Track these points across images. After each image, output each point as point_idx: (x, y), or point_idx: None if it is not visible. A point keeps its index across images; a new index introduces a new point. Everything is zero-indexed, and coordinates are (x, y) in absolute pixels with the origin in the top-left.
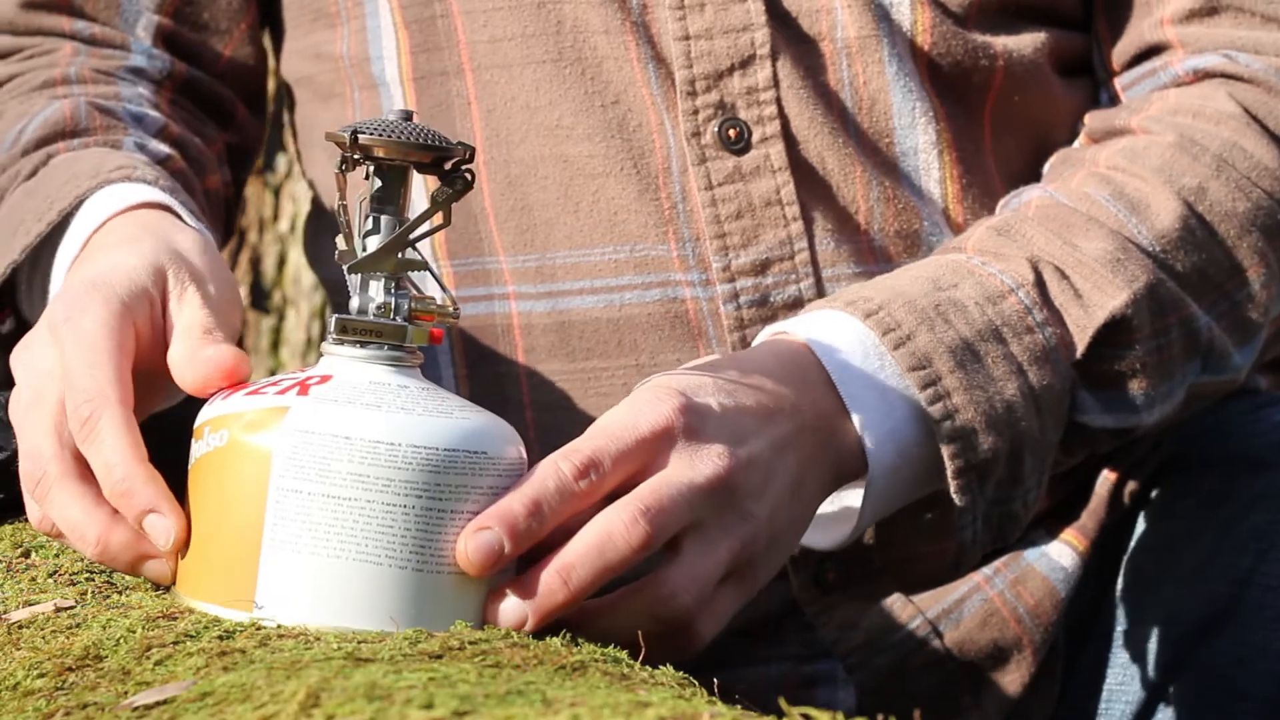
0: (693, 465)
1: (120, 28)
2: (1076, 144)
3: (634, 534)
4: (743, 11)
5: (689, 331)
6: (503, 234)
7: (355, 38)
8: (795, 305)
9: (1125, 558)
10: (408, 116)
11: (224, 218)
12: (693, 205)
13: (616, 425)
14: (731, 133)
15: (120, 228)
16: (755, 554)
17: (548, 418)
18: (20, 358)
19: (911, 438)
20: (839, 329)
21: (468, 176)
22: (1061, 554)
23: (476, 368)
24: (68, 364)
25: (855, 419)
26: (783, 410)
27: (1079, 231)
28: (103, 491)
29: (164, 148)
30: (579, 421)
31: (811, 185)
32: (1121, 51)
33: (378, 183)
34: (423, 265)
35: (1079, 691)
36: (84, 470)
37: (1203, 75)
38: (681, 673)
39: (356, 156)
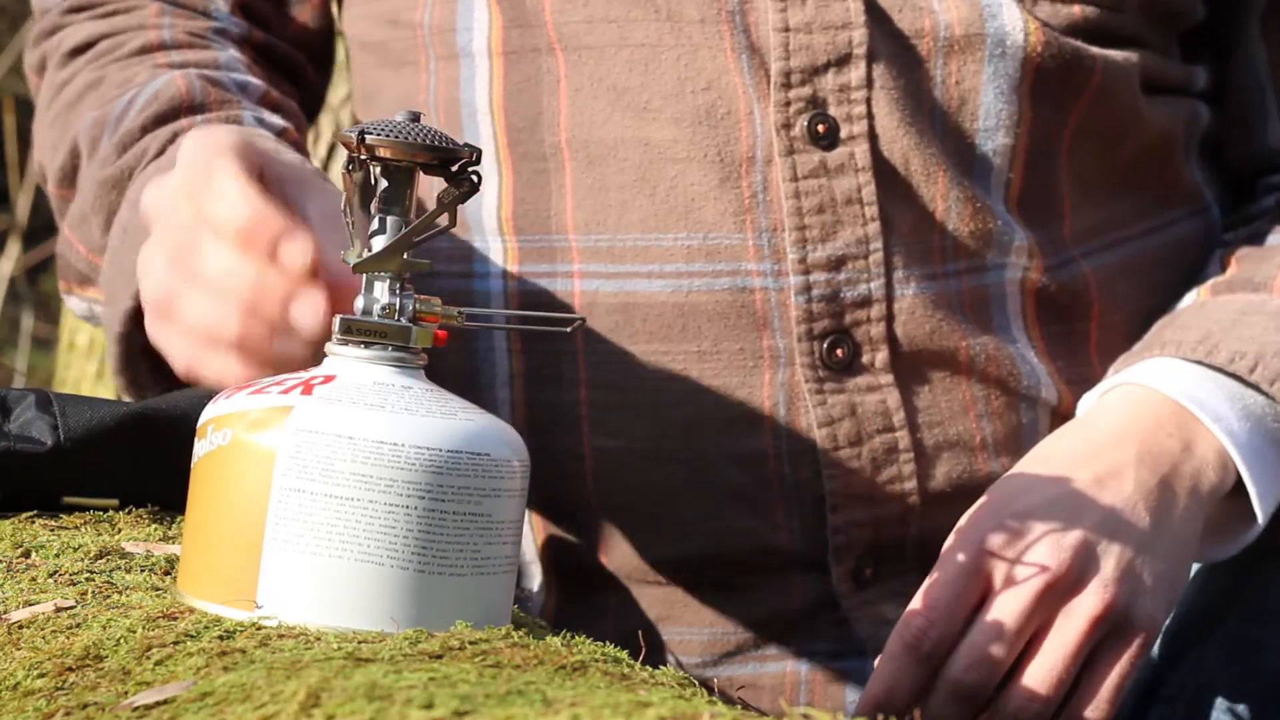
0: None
1: None
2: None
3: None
4: (842, 9)
5: (754, 321)
6: (577, 212)
7: (441, 6)
8: (863, 303)
9: None
10: (415, 118)
11: None
12: (773, 195)
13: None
14: (820, 128)
15: None
16: (1120, 614)
17: (602, 396)
18: (148, 196)
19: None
20: (1201, 388)
21: (474, 179)
22: None
23: (532, 343)
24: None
25: (1209, 424)
26: (1113, 470)
27: None
28: (231, 238)
29: (277, 119)
30: (634, 403)
31: (892, 186)
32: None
33: (384, 183)
34: (427, 267)
35: None
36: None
37: None
38: (682, 672)
39: (363, 157)
